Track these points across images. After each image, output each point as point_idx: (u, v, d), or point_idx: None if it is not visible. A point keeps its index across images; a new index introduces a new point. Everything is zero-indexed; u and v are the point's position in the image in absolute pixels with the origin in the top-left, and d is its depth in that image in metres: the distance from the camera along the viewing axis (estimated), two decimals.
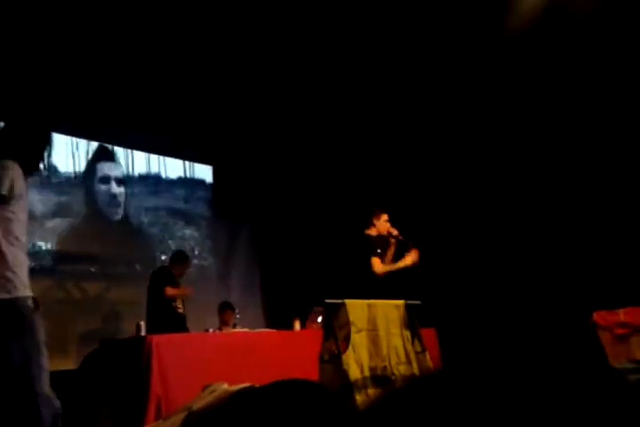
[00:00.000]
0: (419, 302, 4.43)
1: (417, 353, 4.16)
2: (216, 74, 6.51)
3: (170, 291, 5.70)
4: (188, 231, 7.73)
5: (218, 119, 7.33)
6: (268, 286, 7.91)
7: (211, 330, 5.36)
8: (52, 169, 6.30)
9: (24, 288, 2.76)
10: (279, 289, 7.60)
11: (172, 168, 7.67)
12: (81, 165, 6.71)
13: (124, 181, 7.10)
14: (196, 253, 7.66)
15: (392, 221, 4.97)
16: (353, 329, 3.83)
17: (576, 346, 4.40)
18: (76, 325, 6.12)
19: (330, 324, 3.90)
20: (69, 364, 5.45)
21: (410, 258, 4.77)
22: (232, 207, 7.83)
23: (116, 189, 7.00)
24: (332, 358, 3.73)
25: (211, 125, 7.36)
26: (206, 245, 7.89)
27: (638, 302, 4.47)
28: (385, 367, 3.91)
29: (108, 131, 6.78)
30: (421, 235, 5.10)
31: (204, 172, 8.04)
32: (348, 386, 3.60)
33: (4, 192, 2.71)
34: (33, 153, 2.97)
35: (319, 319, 5.04)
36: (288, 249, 7.58)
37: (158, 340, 4.03)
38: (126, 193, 7.08)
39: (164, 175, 7.56)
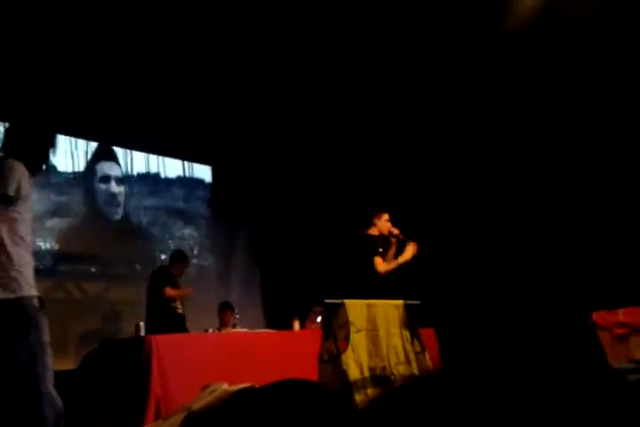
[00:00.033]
0: (418, 302, 4.42)
1: (416, 353, 4.16)
2: (215, 74, 6.51)
3: (169, 292, 5.69)
4: (187, 231, 7.73)
5: (217, 119, 7.33)
6: (268, 286, 7.91)
7: (210, 330, 5.35)
8: (51, 169, 6.30)
9: (29, 287, 2.77)
10: (279, 289, 7.60)
11: (172, 168, 7.69)
12: (80, 165, 6.71)
13: (124, 180, 7.10)
14: (196, 252, 7.67)
15: (393, 221, 4.98)
16: (352, 329, 3.82)
17: (576, 346, 4.40)
18: (75, 325, 6.11)
19: (329, 324, 3.89)
20: (69, 364, 5.44)
21: (409, 252, 4.78)
22: (231, 207, 7.83)
23: (116, 188, 7.00)
24: (332, 358, 3.72)
25: (210, 126, 7.37)
26: (206, 245, 7.89)
27: (638, 302, 4.47)
28: (384, 367, 3.90)
29: (108, 131, 6.78)
30: (422, 235, 5.10)
31: (204, 172, 8.04)
32: (348, 386, 3.60)
33: (11, 193, 2.71)
34: (38, 153, 2.98)
35: (318, 319, 5.04)
36: (287, 249, 7.58)
37: (158, 340, 4.02)
38: (126, 193, 7.08)
39: (163, 175, 7.57)
